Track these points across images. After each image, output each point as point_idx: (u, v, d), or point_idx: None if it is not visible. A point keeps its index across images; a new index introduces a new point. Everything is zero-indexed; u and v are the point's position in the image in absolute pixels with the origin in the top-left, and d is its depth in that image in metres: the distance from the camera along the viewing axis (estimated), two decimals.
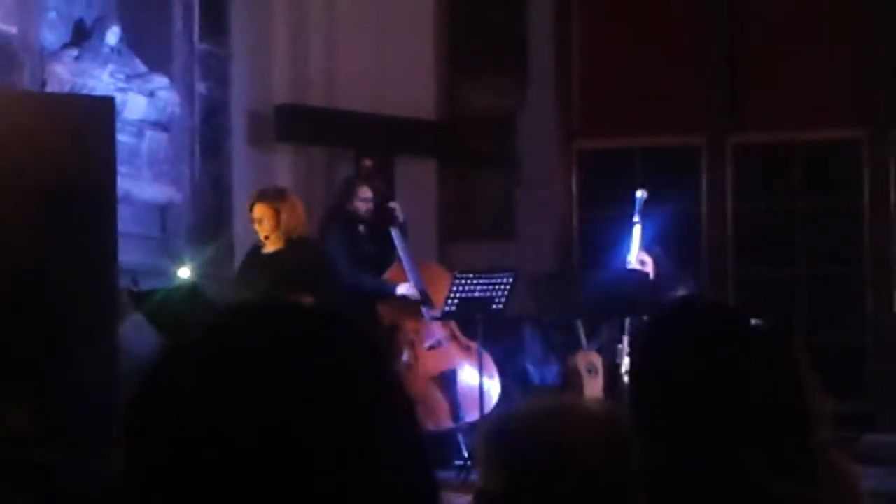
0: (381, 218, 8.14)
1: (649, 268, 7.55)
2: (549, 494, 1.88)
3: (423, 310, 7.97)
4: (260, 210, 7.17)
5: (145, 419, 1.10)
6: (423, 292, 7.93)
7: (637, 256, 7.54)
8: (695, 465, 2.00)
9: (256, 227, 7.19)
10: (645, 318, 5.62)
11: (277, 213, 7.14)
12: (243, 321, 1.13)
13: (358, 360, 1.12)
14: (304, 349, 1.10)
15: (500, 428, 1.99)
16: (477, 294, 7.55)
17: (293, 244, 7.21)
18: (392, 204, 8.21)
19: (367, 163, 8.36)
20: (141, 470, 1.08)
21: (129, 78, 7.62)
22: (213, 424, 1.05)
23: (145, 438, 1.09)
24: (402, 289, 7.94)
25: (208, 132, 8.41)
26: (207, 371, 1.08)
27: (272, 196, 7.26)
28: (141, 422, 1.10)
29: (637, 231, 7.57)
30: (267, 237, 7.17)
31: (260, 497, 1.04)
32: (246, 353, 1.09)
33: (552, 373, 8.57)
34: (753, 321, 2.12)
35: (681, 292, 7.02)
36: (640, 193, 7.67)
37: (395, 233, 8.08)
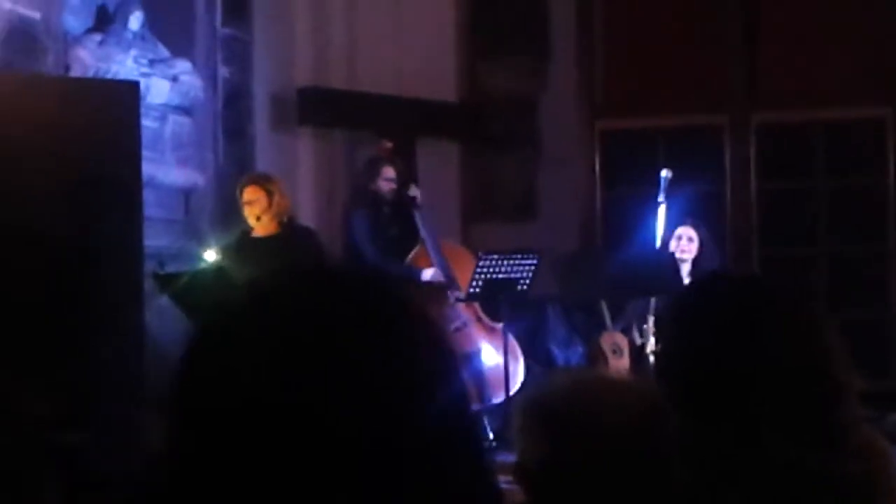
0: (403, 201, 8.14)
1: (695, 244, 7.54)
2: (589, 467, 1.88)
3: (448, 292, 7.97)
4: (251, 192, 7.26)
5: (191, 397, 1.07)
6: (448, 276, 7.93)
7: (684, 232, 7.55)
8: (723, 440, 2.00)
9: (247, 210, 7.26)
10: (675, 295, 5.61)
11: (269, 195, 7.24)
12: (288, 292, 1.11)
13: (411, 329, 1.10)
14: (358, 321, 1.07)
15: (538, 401, 1.98)
16: (501, 275, 7.54)
17: (291, 230, 7.27)
18: (412, 191, 8.20)
19: (388, 144, 8.35)
20: (187, 449, 1.06)
21: (152, 63, 7.63)
22: (261, 401, 1.03)
23: (192, 417, 1.06)
24: (427, 274, 7.93)
25: (231, 116, 8.43)
26: (257, 346, 1.05)
27: (262, 179, 7.40)
28: (187, 400, 1.07)
29: (662, 211, 7.55)
30: (258, 218, 7.22)
31: (307, 473, 1.02)
32: (296, 325, 1.06)
33: (576, 354, 8.55)
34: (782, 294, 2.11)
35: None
36: (664, 173, 7.66)
37: (418, 216, 8.08)
